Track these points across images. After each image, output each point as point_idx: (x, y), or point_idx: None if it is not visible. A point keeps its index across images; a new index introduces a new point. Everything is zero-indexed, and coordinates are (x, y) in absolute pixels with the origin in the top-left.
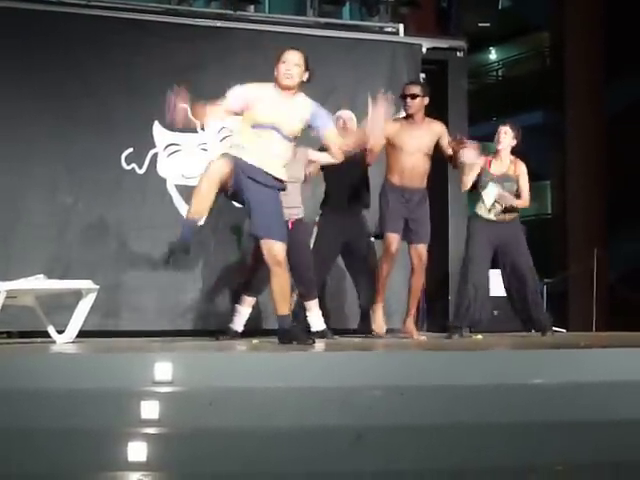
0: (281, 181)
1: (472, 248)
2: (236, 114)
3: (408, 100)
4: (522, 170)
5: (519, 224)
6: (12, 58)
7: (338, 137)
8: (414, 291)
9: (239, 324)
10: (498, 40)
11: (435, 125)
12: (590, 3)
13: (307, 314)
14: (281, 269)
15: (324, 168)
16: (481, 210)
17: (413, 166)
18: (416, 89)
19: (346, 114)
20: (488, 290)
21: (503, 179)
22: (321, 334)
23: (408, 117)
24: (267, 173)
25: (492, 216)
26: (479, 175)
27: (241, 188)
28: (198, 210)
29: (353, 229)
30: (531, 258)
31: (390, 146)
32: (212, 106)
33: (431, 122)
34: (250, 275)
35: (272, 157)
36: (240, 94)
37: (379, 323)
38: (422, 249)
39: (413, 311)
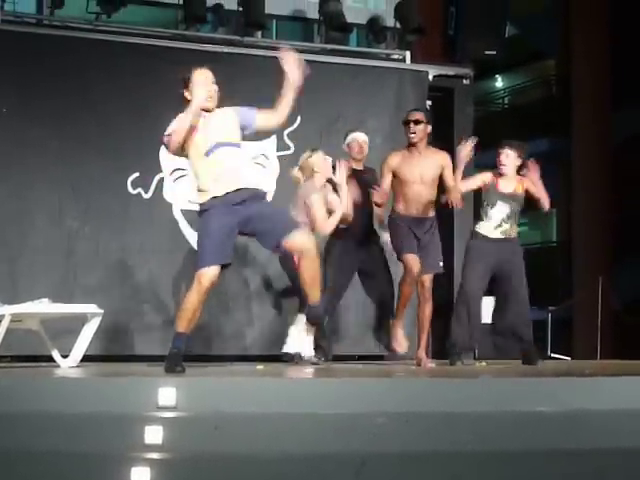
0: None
1: (469, 272)
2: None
3: (412, 126)
4: (529, 184)
5: (519, 246)
6: (20, 83)
7: (268, 112)
8: (421, 321)
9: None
10: (504, 68)
11: (439, 155)
12: (596, 31)
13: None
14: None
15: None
16: (483, 229)
17: (418, 195)
18: (419, 115)
19: (361, 136)
20: (480, 316)
21: (511, 198)
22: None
23: (411, 146)
24: (248, 188)
25: (498, 233)
26: (486, 192)
27: (249, 215)
28: (190, 326)
29: (368, 254)
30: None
31: (394, 176)
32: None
33: (436, 152)
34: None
35: (239, 170)
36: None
37: (400, 341)
38: (426, 279)
39: (423, 342)
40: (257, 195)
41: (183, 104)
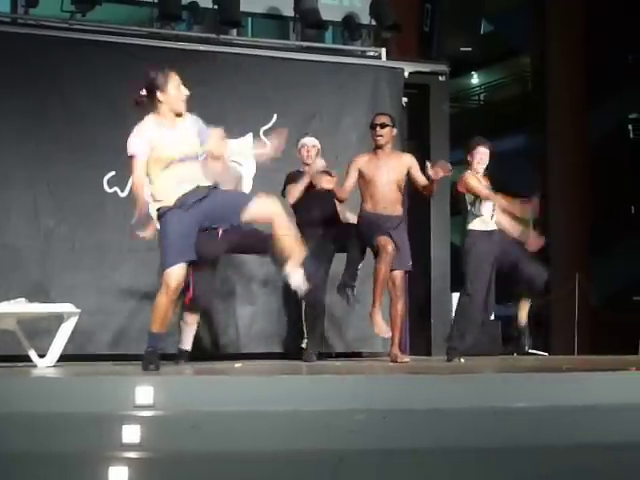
0: None
1: (471, 265)
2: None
3: (378, 129)
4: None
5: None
6: None
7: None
8: (394, 318)
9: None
10: (480, 64)
11: (405, 157)
12: (572, 28)
13: None
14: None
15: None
16: (478, 225)
17: (384, 195)
18: (385, 118)
19: (310, 141)
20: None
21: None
22: None
23: (377, 148)
24: (201, 186)
25: (493, 225)
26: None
27: (205, 209)
28: (163, 325)
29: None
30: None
31: (361, 177)
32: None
33: (400, 154)
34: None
35: (195, 177)
36: (141, 141)
37: (380, 326)
38: (397, 275)
39: (397, 339)
40: (210, 191)
41: (150, 105)
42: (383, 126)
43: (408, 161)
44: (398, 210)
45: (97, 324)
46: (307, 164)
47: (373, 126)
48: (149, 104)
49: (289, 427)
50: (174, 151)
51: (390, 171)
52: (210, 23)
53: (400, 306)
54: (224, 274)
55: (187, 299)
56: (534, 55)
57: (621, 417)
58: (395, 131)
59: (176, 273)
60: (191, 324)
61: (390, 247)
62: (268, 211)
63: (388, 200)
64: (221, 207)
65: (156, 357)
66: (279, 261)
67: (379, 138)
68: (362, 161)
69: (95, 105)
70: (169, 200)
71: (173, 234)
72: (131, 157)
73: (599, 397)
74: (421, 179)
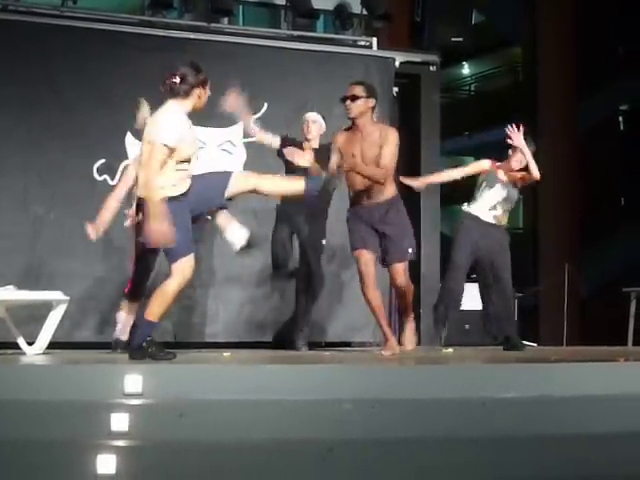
0: None
1: (455, 252)
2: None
3: (347, 103)
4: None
5: (506, 236)
6: None
7: None
8: (404, 310)
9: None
10: (471, 55)
11: (384, 130)
12: (563, 19)
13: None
14: None
15: None
16: (475, 209)
17: (359, 179)
18: (357, 89)
19: (311, 116)
20: (460, 295)
21: (510, 185)
22: None
23: (352, 124)
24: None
25: (490, 217)
26: (487, 174)
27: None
28: (164, 315)
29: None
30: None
31: (341, 159)
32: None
33: (382, 128)
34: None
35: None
36: (176, 135)
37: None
38: (396, 269)
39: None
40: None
41: (172, 95)
42: (354, 99)
43: (384, 138)
44: (385, 194)
45: (86, 311)
46: (307, 139)
47: (343, 99)
48: (172, 93)
49: (278, 416)
50: (194, 149)
51: (370, 148)
52: (201, 11)
53: (407, 300)
54: (213, 263)
55: (127, 289)
56: (525, 46)
57: (610, 408)
58: (373, 101)
59: (191, 262)
60: (129, 314)
61: (362, 261)
62: (249, 182)
63: (367, 185)
64: (204, 191)
65: (161, 345)
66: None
67: (347, 112)
68: (340, 139)
69: (86, 93)
70: (176, 191)
71: (184, 225)
72: (152, 144)
73: (588, 388)
74: (386, 159)
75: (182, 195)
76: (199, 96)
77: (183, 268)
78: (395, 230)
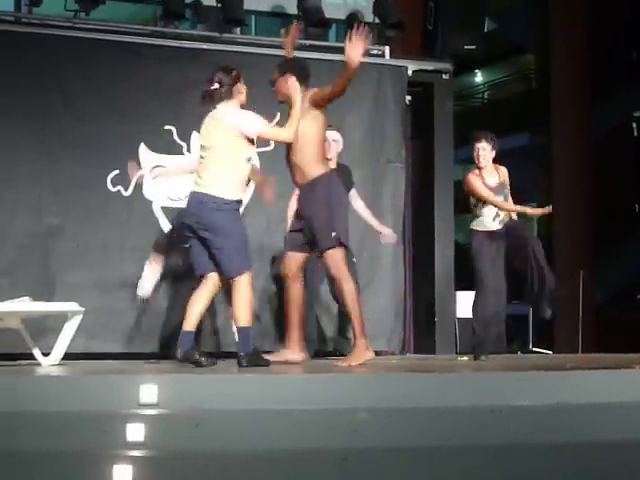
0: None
1: (481, 264)
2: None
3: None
4: (506, 174)
5: (523, 225)
6: None
7: None
8: (346, 304)
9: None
10: (484, 63)
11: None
12: (576, 25)
13: None
14: None
15: None
16: (481, 225)
17: (293, 161)
18: (275, 72)
19: (332, 135)
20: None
21: (501, 188)
22: None
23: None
24: None
25: (497, 224)
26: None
27: None
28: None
29: None
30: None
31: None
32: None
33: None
34: None
35: None
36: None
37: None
38: (326, 257)
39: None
40: None
41: (216, 99)
42: (272, 83)
43: (310, 97)
44: (305, 177)
45: (101, 323)
46: (327, 159)
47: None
48: (219, 99)
49: (293, 426)
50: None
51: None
52: (213, 22)
53: (347, 287)
54: None
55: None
56: (538, 53)
57: (626, 415)
58: (293, 78)
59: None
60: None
61: (286, 268)
62: None
63: (295, 166)
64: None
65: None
66: None
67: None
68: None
69: (99, 104)
70: (235, 192)
71: (244, 236)
72: (248, 137)
73: (603, 395)
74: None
75: (238, 202)
76: (240, 91)
77: (247, 278)
78: (313, 215)
